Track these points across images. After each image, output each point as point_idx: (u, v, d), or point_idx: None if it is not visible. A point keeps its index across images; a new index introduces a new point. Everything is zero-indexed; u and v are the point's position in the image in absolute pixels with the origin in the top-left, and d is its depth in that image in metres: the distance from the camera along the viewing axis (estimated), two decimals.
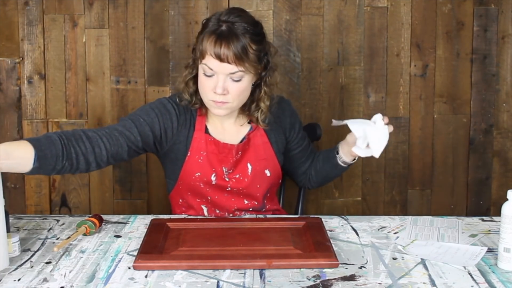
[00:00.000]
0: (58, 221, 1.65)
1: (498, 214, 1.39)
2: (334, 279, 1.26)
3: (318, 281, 1.25)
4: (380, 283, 1.25)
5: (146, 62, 2.50)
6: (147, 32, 2.48)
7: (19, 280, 1.27)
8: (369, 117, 2.54)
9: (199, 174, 1.72)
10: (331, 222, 1.64)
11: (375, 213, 2.57)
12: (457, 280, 1.27)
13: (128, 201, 2.58)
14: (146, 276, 1.28)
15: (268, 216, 1.75)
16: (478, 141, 2.57)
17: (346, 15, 2.49)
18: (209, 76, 1.61)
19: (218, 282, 1.25)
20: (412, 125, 2.56)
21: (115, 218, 1.68)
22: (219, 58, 1.56)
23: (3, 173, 1.36)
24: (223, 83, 1.59)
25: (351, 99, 2.54)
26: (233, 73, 1.59)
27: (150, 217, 1.66)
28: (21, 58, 2.48)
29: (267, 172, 1.77)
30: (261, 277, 1.27)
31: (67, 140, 1.49)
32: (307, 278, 1.26)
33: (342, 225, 1.62)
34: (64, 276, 1.29)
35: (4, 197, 1.36)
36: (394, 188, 2.59)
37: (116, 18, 2.47)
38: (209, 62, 1.58)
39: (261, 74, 1.67)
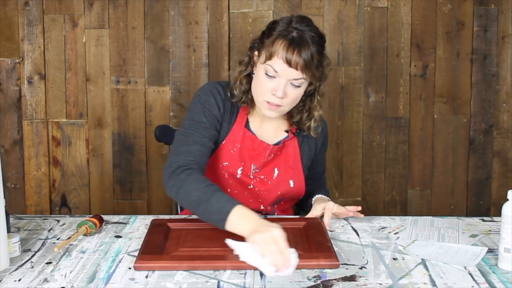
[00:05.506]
0: (58, 221, 1.65)
1: (498, 214, 1.39)
2: (335, 279, 1.26)
3: (318, 282, 1.25)
4: (381, 284, 1.25)
5: (146, 62, 2.50)
6: (147, 32, 2.48)
7: (19, 280, 1.27)
8: (368, 117, 2.55)
9: (227, 163, 1.73)
10: (332, 222, 1.64)
11: (375, 213, 2.57)
12: (457, 280, 1.27)
13: (128, 201, 2.58)
14: (146, 277, 1.28)
15: (268, 216, 1.75)
16: (478, 141, 2.58)
17: (346, 15, 2.49)
18: (271, 77, 1.62)
19: (218, 282, 1.25)
20: (412, 125, 2.56)
21: (115, 218, 1.68)
22: (289, 63, 1.58)
23: (3, 173, 1.36)
24: (284, 86, 1.61)
25: (351, 99, 2.54)
26: (296, 79, 1.60)
27: (150, 218, 1.66)
28: (21, 58, 2.48)
29: (291, 183, 1.78)
30: (261, 278, 1.27)
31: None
32: (307, 279, 1.26)
33: (342, 226, 1.62)
34: (65, 276, 1.29)
35: (4, 197, 1.36)
36: (394, 188, 2.59)
37: (116, 18, 2.47)
38: (276, 65, 1.59)
39: (315, 84, 1.70)
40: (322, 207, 1.65)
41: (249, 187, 1.75)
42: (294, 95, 1.63)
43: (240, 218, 1.39)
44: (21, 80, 2.49)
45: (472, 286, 1.24)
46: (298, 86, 1.62)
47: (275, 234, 1.30)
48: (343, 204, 1.70)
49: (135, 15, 2.47)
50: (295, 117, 1.76)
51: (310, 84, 1.67)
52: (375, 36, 2.51)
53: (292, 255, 1.28)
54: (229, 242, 1.36)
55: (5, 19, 2.47)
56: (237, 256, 1.34)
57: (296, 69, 1.58)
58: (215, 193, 1.46)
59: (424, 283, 1.25)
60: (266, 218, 1.67)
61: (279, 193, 1.77)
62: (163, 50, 2.49)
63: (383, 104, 2.54)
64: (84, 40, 2.48)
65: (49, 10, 2.46)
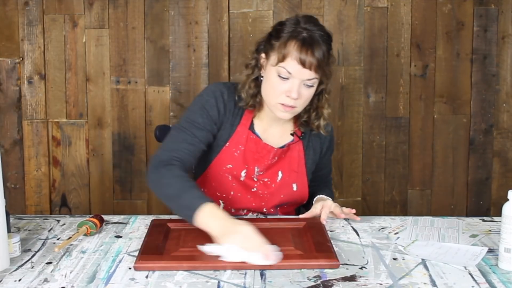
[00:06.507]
0: (58, 221, 1.65)
1: (498, 214, 1.39)
2: (335, 279, 1.26)
3: (318, 282, 1.25)
4: (381, 284, 1.25)
5: (146, 62, 2.50)
6: (147, 32, 2.48)
7: (19, 280, 1.27)
8: (368, 117, 2.55)
9: (230, 166, 1.72)
10: (332, 223, 1.64)
11: (375, 213, 2.57)
12: (457, 280, 1.27)
13: (128, 201, 2.58)
14: (146, 277, 1.28)
15: (268, 216, 1.75)
16: (478, 141, 2.58)
17: (346, 15, 2.49)
18: (284, 79, 1.60)
19: (218, 282, 1.25)
20: (412, 125, 2.56)
21: (115, 218, 1.68)
22: (303, 64, 1.57)
23: (3, 173, 1.36)
24: (298, 87, 1.60)
25: (351, 99, 2.54)
26: (309, 79, 1.60)
27: (150, 218, 1.66)
28: (21, 58, 2.48)
29: (294, 186, 1.77)
30: (261, 278, 1.27)
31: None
32: (307, 279, 1.26)
33: (342, 226, 1.62)
34: (65, 276, 1.29)
35: (4, 197, 1.36)
36: (394, 188, 2.59)
37: (116, 18, 2.47)
38: (289, 66, 1.58)
39: (326, 83, 1.70)
40: (321, 206, 1.65)
41: (252, 190, 1.74)
42: (307, 95, 1.63)
43: (208, 217, 1.41)
44: (21, 80, 2.49)
45: (472, 286, 1.24)
46: (311, 86, 1.62)
47: (246, 231, 1.35)
48: (343, 204, 1.70)
49: (135, 15, 2.47)
50: (303, 117, 1.74)
51: (320, 83, 1.67)
52: (375, 36, 2.51)
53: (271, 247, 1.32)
54: (206, 249, 1.36)
55: (5, 19, 2.47)
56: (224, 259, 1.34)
57: (310, 69, 1.58)
58: (189, 189, 1.49)
59: (424, 283, 1.25)
60: (268, 219, 1.67)
61: (282, 196, 1.76)
62: (163, 50, 2.49)
63: (383, 104, 2.54)
64: (84, 40, 2.48)
65: (49, 10, 2.46)
